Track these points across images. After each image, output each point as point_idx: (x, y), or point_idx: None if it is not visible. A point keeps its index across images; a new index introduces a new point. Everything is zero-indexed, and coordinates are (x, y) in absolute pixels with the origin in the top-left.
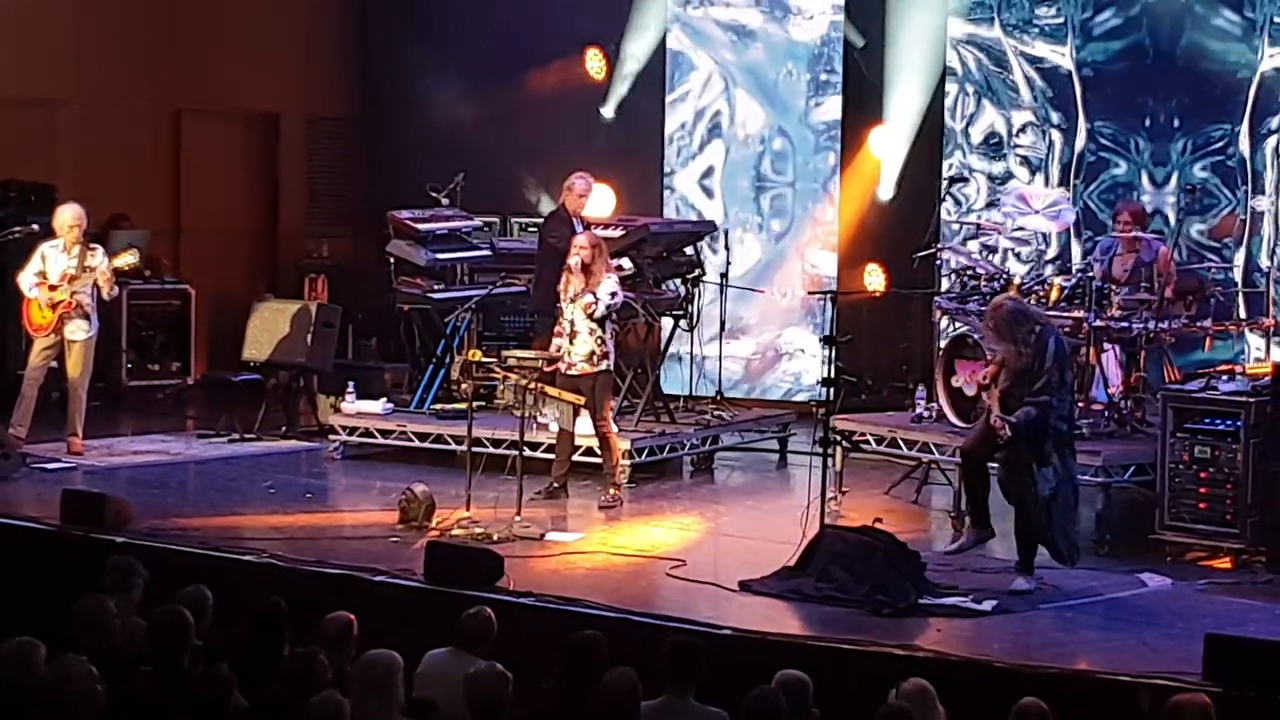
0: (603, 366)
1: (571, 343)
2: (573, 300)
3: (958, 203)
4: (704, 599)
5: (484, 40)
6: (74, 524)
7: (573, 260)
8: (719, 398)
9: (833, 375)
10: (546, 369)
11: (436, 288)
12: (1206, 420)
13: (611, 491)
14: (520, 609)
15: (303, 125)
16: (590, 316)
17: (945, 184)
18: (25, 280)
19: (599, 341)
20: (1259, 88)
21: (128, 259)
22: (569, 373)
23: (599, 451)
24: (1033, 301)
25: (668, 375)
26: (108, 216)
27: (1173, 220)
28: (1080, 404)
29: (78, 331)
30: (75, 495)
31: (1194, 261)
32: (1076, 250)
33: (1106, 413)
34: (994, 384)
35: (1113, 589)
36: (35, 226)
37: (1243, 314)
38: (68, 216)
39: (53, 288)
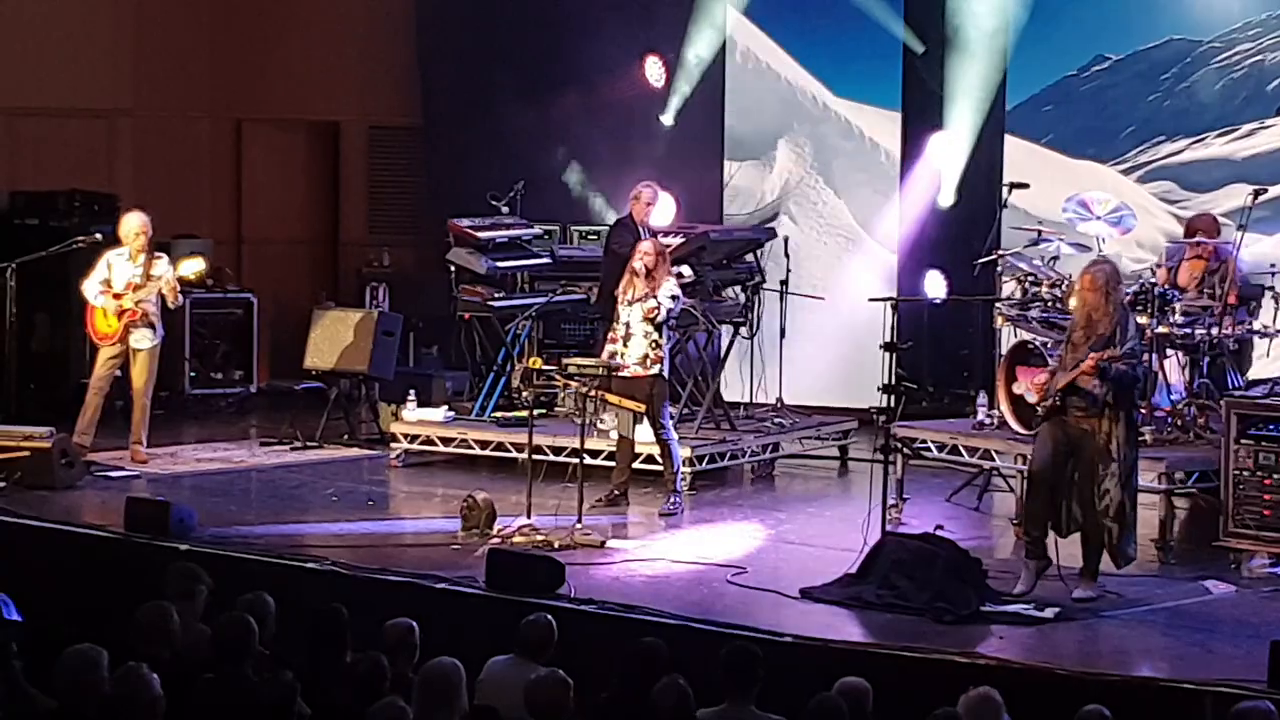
0: (654, 370)
1: (625, 345)
2: (631, 303)
3: None
4: (765, 606)
5: (544, 48)
6: (137, 531)
7: (636, 264)
8: (779, 404)
9: (893, 382)
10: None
11: (497, 296)
12: (1271, 426)
13: (672, 499)
14: (581, 616)
15: (363, 134)
16: (650, 320)
17: (1006, 190)
18: (90, 288)
19: (653, 345)
20: None
21: (194, 266)
22: (621, 374)
23: (659, 459)
24: None
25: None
26: (173, 234)
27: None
28: (1143, 410)
29: (143, 340)
30: (139, 503)
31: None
32: None
33: (1169, 419)
34: (1065, 358)
35: (1176, 596)
36: (98, 236)
37: None
38: (134, 224)
39: (117, 296)
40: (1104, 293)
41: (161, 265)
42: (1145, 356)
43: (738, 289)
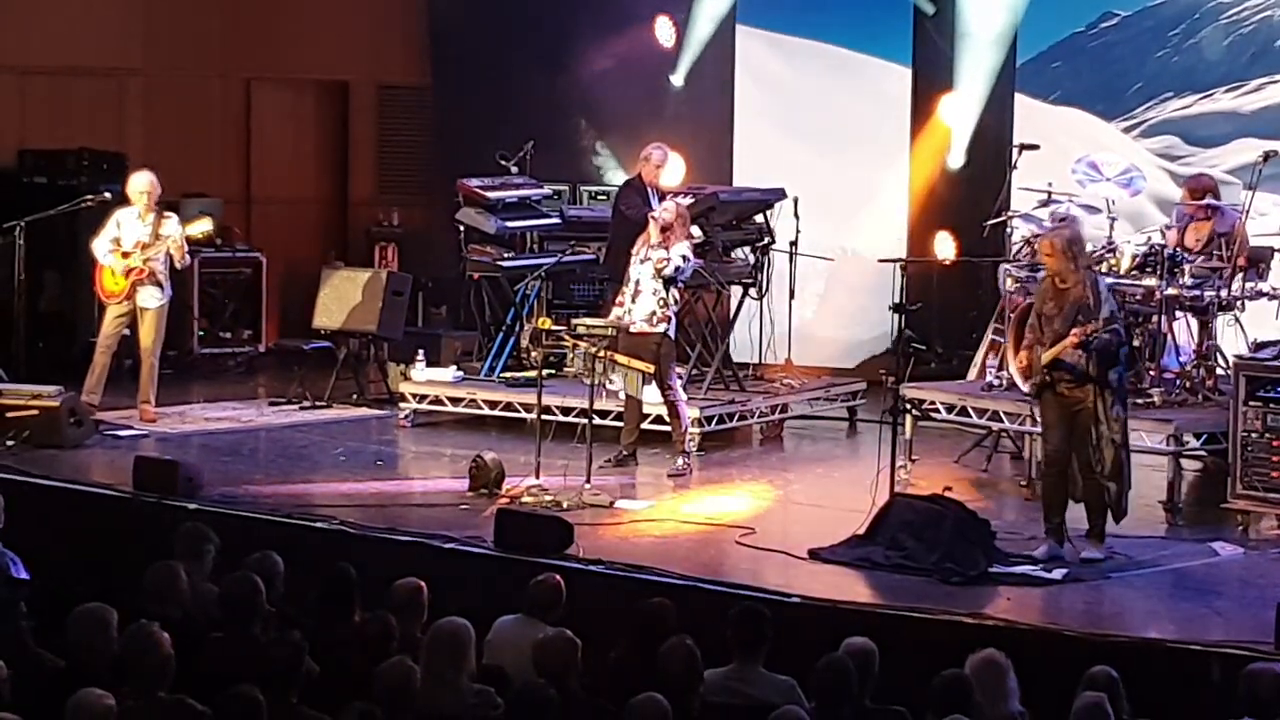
0: (661, 329)
1: (633, 301)
2: (644, 260)
3: None
4: (773, 567)
5: (554, 8)
6: (146, 491)
7: (655, 214)
8: (788, 364)
9: (902, 343)
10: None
11: (506, 256)
12: (1279, 388)
13: (681, 460)
14: (589, 577)
15: (373, 93)
16: (660, 273)
17: (1016, 152)
18: (100, 246)
19: (661, 303)
20: None
21: (201, 227)
22: (628, 330)
23: (668, 420)
24: (1104, 269)
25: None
26: (182, 193)
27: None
28: (1152, 372)
29: (150, 299)
30: (147, 462)
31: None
32: None
33: (1178, 381)
34: (1041, 338)
35: (1184, 558)
36: (107, 195)
37: None
38: (141, 183)
39: (125, 255)
40: (1065, 255)
41: (170, 224)
42: (1156, 319)
43: (747, 250)
